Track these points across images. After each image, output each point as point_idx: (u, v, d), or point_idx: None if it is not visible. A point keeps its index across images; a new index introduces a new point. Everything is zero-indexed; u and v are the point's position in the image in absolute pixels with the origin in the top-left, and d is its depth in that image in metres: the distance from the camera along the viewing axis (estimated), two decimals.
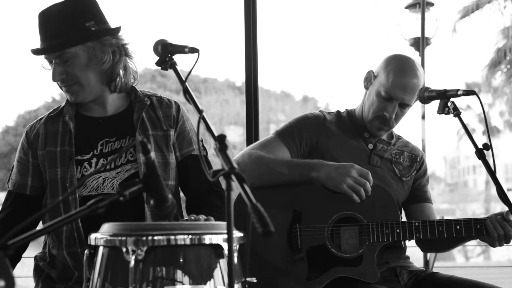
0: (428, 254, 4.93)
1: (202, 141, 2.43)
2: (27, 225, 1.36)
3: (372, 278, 2.43)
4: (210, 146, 1.66)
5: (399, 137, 2.81)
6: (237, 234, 1.62)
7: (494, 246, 2.47)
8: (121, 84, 2.36)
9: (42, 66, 2.34)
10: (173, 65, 1.89)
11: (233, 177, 1.41)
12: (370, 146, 2.70)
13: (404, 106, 2.61)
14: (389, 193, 2.53)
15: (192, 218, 2.11)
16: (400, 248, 2.67)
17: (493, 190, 2.33)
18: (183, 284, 1.51)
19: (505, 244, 2.48)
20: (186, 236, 1.52)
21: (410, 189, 2.72)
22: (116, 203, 1.42)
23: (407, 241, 2.61)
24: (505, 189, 2.31)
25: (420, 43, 7.01)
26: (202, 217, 2.11)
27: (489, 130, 2.58)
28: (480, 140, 2.34)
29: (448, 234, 2.45)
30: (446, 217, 2.76)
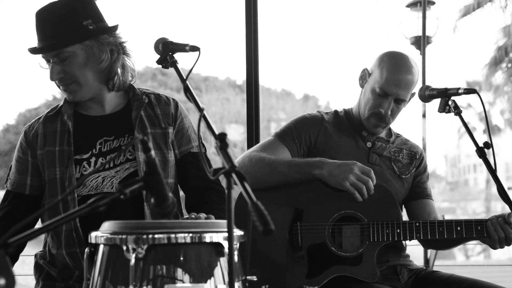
0: (429, 253, 4.93)
1: (200, 138, 2.43)
2: (26, 224, 1.36)
3: (372, 277, 2.43)
4: (211, 145, 1.66)
5: (398, 135, 2.81)
6: (237, 232, 1.62)
7: (495, 248, 2.47)
8: (119, 83, 2.35)
9: (40, 65, 2.33)
10: (174, 64, 1.89)
11: (233, 175, 1.41)
12: (369, 144, 2.70)
13: (399, 101, 2.61)
14: (391, 192, 2.53)
15: (193, 216, 2.11)
16: (400, 246, 2.67)
17: (494, 188, 2.33)
18: (183, 282, 1.51)
19: (506, 247, 2.47)
20: (186, 235, 1.52)
21: (410, 186, 2.72)
22: (116, 201, 1.42)
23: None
24: (505, 187, 2.31)
25: (421, 41, 7.00)
26: (203, 215, 2.11)
27: (489, 129, 2.58)
28: (481, 139, 2.34)
29: (448, 235, 2.45)
30: (446, 216, 2.76)
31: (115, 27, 2.34)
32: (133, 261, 1.49)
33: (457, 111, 2.47)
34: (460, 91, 2.46)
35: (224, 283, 1.55)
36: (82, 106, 2.41)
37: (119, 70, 2.34)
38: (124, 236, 1.51)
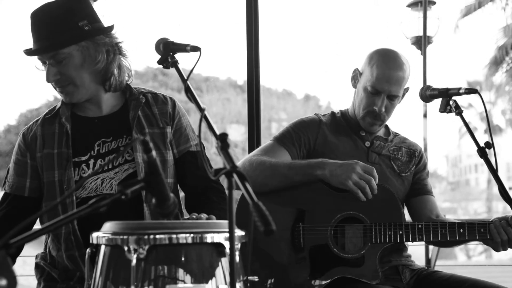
0: (430, 253, 4.94)
1: (199, 136, 2.42)
2: (25, 226, 1.35)
3: (374, 279, 2.42)
4: (212, 145, 1.66)
5: (396, 134, 2.82)
6: (238, 232, 1.61)
7: (497, 250, 2.46)
8: (115, 83, 2.34)
9: (36, 67, 2.32)
10: (174, 64, 1.89)
11: (235, 175, 1.41)
12: (367, 144, 2.70)
13: (392, 97, 2.61)
14: (393, 194, 2.52)
15: (194, 217, 2.10)
16: (401, 247, 2.66)
17: (495, 188, 2.34)
18: (184, 282, 1.51)
19: (509, 249, 2.47)
20: (187, 235, 1.52)
21: (410, 184, 2.72)
22: (115, 202, 1.42)
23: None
24: (507, 187, 2.31)
25: (421, 41, 7.00)
26: (204, 215, 2.11)
27: (491, 129, 2.59)
28: (482, 139, 2.34)
29: (451, 237, 2.45)
30: (448, 216, 2.75)
31: (110, 27, 2.33)
32: (134, 261, 1.49)
33: (458, 111, 2.47)
34: (461, 91, 2.46)
35: (226, 284, 1.55)
36: (79, 108, 2.39)
37: (115, 71, 2.33)
38: (125, 237, 1.51)
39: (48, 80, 2.28)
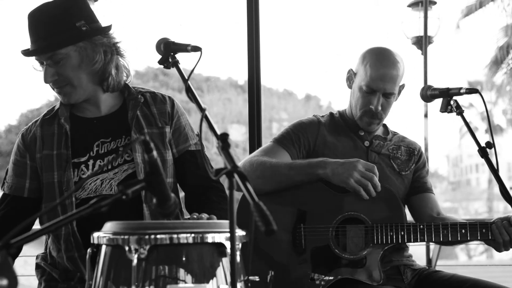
0: (431, 253, 4.94)
1: (198, 135, 2.42)
2: (25, 227, 1.35)
3: (376, 280, 2.42)
4: (213, 145, 1.66)
5: (394, 133, 2.82)
6: (239, 232, 1.61)
7: (499, 251, 2.46)
8: (113, 83, 2.33)
9: (33, 68, 2.31)
10: (175, 64, 1.88)
11: (235, 175, 1.41)
12: (367, 143, 2.70)
13: (388, 95, 2.61)
14: (394, 194, 2.52)
15: (195, 217, 2.10)
16: (403, 246, 2.66)
17: (496, 188, 2.34)
18: (185, 282, 1.51)
19: (511, 249, 2.46)
20: (188, 235, 1.52)
21: (410, 182, 2.72)
22: (116, 202, 1.42)
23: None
24: (507, 187, 2.30)
25: (422, 41, 6.99)
26: (205, 215, 2.11)
27: (491, 129, 2.58)
28: (483, 139, 2.34)
29: (453, 238, 2.44)
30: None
31: (108, 28, 2.32)
32: (135, 261, 1.49)
33: (459, 111, 2.47)
34: (462, 91, 2.46)
35: (226, 284, 1.55)
36: (78, 108, 2.39)
37: (113, 71, 2.32)
38: (126, 237, 1.51)
39: (46, 81, 2.28)
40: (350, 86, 2.73)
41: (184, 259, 1.53)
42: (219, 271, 1.55)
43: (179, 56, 1.90)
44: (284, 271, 2.48)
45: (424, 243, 3.87)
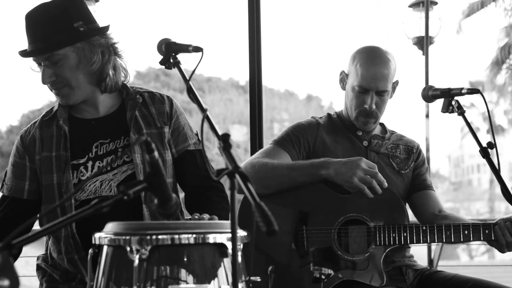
0: (432, 253, 4.94)
1: (197, 134, 2.42)
2: (24, 228, 1.35)
3: (379, 281, 2.42)
4: (214, 145, 1.66)
5: (392, 132, 2.82)
6: (241, 233, 1.61)
7: (503, 252, 2.46)
8: (111, 84, 2.32)
9: (31, 68, 2.30)
10: (177, 64, 1.88)
11: (237, 176, 1.41)
12: (365, 143, 2.70)
13: (381, 93, 2.61)
14: (396, 194, 2.52)
15: (196, 217, 2.10)
16: (404, 247, 2.66)
17: (498, 188, 2.34)
18: (187, 283, 1.51)
19: None
20: (190, 235, 1.52)
21: (410, 181, 2.72)
22: (116, 203, 1.42)
23: None
24: (509, 187, 2.30)
25: (423, 42, 6.99)
26: (206, 216, 2.10)
27: (493, 129, 2.57)
28: (484, 139, 2.33)
29: (455, 239, 2.44)
30: None
31: (106, 28, 2.31)
32: (136, 262, 1.49)
33: (461, 111, 2.46)
34: (463, 91, 2.46)
35: (228, 284, 1.55)
36: (76, 110, 2.38)
37: (110, 72, 2.31)
38: (127, 237, 1.51)
39: (44, 82, 2.27)
40: (343, 88, 2.74)
41: (185, 259, 1.53)
42: (221, 272, 1.55)
43: (181, 56, 1.89)
44: (287, 272, 2.47)
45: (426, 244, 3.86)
